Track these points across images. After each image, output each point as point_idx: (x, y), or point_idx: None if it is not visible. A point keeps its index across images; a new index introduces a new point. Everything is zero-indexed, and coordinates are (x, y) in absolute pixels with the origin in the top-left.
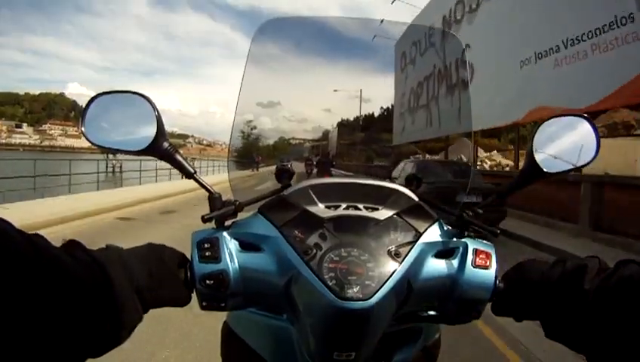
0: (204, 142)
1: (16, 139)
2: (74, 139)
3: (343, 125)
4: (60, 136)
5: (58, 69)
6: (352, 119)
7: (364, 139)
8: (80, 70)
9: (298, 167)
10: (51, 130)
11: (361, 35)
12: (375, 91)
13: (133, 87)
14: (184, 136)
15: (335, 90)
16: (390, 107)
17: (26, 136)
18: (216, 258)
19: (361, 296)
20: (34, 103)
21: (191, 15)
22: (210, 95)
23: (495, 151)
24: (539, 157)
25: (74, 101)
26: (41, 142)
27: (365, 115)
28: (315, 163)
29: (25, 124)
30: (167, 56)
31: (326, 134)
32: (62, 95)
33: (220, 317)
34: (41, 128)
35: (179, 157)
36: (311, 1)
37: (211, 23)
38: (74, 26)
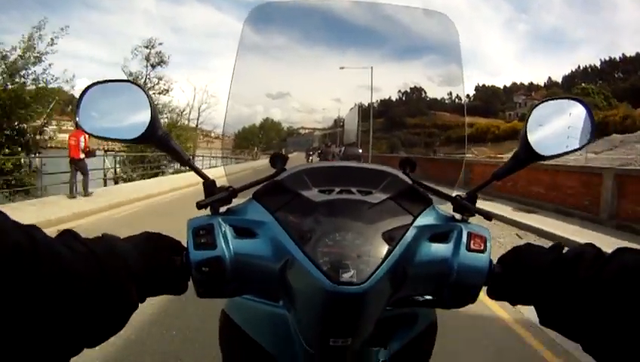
0: (212, 134)
1: None
2: (68, 135)
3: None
4: (53, 130)
5: (67, 65)
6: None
7: (387, 124)
8: (89, 66)
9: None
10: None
11: (367, 18)
12: (385, 78)
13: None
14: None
15: (342, 68)
16: (409, 91)
17: None
18: (212, 244)
19: (355, 280)
20: None
21: (197, 7)
22: (218, 86)
23: None
24: (533, 139)
25: (71, 95)
26: None
27: (381, 100)
28: (317, 153)
29: None
30: (175, 49)
31: (338, 122)
32: (59, 88)
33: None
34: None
35: (173, 145)
36: None
37: (218, 14)
38: (82, 22)
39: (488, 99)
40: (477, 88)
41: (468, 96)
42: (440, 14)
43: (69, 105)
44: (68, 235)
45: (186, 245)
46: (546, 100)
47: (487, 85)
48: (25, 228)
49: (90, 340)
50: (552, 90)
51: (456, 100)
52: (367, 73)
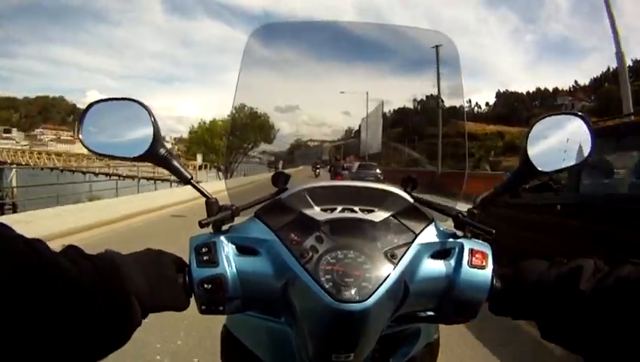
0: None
1: (1, 145)
2: (67, 145)
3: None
4: (51, 141)
5: (77, 78)
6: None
7: (406, 134)
8: (99, 78)
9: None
10: (43, 135)
11: (371, 37)
12: (390, 94)
13: (152, 95)
14: None
15: (342, 92)
16: (425, 98)
17: (13, 142)
18: (214, 262)
19: (357, 297)
20: (29, 107)
21: (208, 22)
22: (228, 100)
23: None
24: (533, 155)
25: (73, 104)
26: (30, 148)
27: (395, 110)
28: (329, 167)
29: (15, 129)
30: (185, 63)
31: (349, 133)
32: (61, 98)
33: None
34: (32, 133)
35: (175, 163)
36: (327, 4)
37: (228, 29)
38: (92, 35)
39: (511, 106)
40: (498, 95)
41: (487, 104)
42: (440, 33)
43: (70, 115)
44: (72, 250)
45: (188, 262)
46: (546, 116)
47: (509, 91)
48: (30, 242)
49: (93, 354)
50: (601, 90)
51: (475, 108)
52: (376, 86)
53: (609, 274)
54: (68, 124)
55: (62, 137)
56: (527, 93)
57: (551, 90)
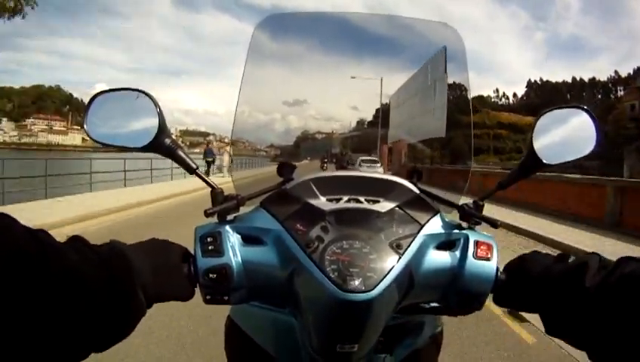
0: (226, 140)
1: None
2: (59, 136)
3: None
4: (42, 131)
5: (85, 71)
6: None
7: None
8: (108, 71)
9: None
10: (34, 125)
11: (378, 29)
12: (397, 86)
13: (160, 88)
14: (205, 134)
15: (353, 77)
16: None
17: (1, 132)
18: (219, 252)
19: (363, 287)
20: (23, 97)
21: (215, 15)
22: (236, 94)
23: None
24: (539, 148)
25: (70, 94)
26: (19, 139)
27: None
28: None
29: (5, 119)
30: (193, 56)
31: (362, 123)
32: (57, 87)
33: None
34: (23, 123)
35: (181, 153)
36: (335, 1)
37: (236, 22)
38: (101, 28)
39: (546, 96)
40: (529, 85)
41: (515, 95)
42: (446, 25)
43: (66, 105)
44: (76, 241)
45: (193, 252)
46: (552, 109)
47: (543, 80)
48: (34, 233)
49: (98, 345)
50: None
51: (503, 98)
52: (385, 81)
53: (614, 270)
54: (62, 113)
55: (54, 128)
56: (564, 82)
57: (587, 80)
